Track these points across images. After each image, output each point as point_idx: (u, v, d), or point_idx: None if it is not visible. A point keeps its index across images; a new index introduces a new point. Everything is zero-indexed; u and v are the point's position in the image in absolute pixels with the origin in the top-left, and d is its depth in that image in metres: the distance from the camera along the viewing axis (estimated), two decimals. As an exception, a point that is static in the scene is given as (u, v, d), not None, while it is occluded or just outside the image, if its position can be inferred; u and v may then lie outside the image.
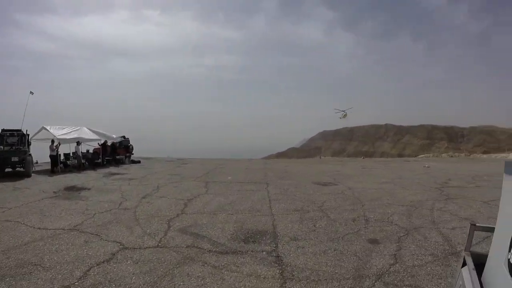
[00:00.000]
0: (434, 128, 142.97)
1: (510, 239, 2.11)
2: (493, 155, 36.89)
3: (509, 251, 2.08)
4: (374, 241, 5.95)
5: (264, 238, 6.20)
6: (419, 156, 42.01)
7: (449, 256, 5.27)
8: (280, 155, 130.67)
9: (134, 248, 5.62)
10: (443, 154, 43.14)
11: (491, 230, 2.74)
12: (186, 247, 5.70)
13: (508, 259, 2.06)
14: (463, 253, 2.85)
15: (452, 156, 36.90)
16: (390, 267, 4.80)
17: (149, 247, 5.68)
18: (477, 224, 2.79)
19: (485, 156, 37.59)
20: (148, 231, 6.60)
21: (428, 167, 20.72)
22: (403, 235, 6.30)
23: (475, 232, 2.79)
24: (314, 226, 6.95)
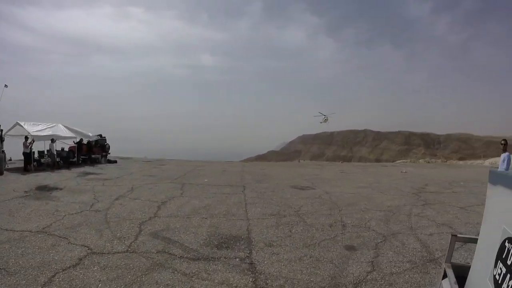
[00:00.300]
0: (411, 134, 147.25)
1: (495, 252, 1.96)
2: (468, 162, 38.00)
3: (495, 266, 1.93)
4: (351, 248, 5.81)
5: (238, 243, 5.97)
6: (397, 162, 42.77)
7: (427, 263, 5.18)
8: (260, 158, 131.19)
9: (103, 253, 5.32)
10: (420, 160, 44.09)
11: (473, 241, 2.64)
12: (157, 252, 5.42)
13: (494, 275, 1.91)
14: (443, 264, 2.74)
15: (429, 162, 37.73)
16: (367, 275, 4.66)
17: (118, 252, 5.37)
18: (458, 235, 2.68)
19: (461, 162, 38.64)
20: (118, 234, 6.29)
21: (405, 172, 20.99)
22: (381, 241, 6.21)
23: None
24: (290, 231, 6.77)
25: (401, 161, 45.90)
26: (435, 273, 4.77)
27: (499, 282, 1.83)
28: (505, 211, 2.00)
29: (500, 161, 9.61)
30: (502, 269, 1.83)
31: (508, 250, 1.82)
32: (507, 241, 1.86)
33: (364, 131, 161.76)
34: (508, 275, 1.74)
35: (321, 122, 58.90)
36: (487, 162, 35.82)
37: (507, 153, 9.33)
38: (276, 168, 23.03)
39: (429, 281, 4.49)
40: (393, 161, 50.91)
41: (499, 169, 8.87)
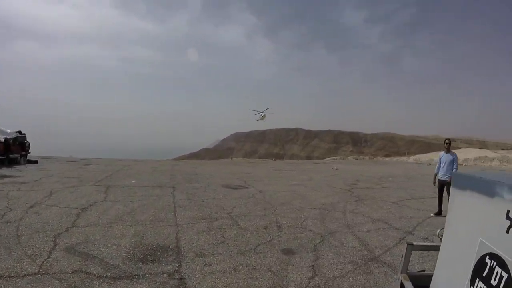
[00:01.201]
0: (340, 133, 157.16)
1: (470, 268, 1.73)
2: (394, 158, 41.00)
3: (472, 284, 1.69)
4: (289, 252, 5.47)
5: (165, 255, 5.28)
6: (327, 159, 44.53)
7: (369, 263, 5.05)
8: (192, 155, 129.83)
9: (10, 277, 4.27)
10: (349, 157, 46.38)
11: (433, 248, 2.44)
12: (72, 272, 4.51)
13: None
14: (399, 275, 2.50)
15: (357, 159, 39.80)
16: (309, 282, 4.33)
17: (27, 275, 4.35)
18: (414, 243, 2.43)
19: (387, 159, 41.52)
20: (30, 251, 5.19)
21: (336, 169, 21.70)
22: (319, 242, 5.98)
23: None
24: (223, 237, 6.25)
25: (331, 158, 47.95)
26: (378, 273, 4.62)
27: None
28: (481, 222, 1.74)
29: (441, 161, 9.00)
30: None
31: (491, 268, 1.58)
32: (488, 257, 1.61)
33: (296, 129, 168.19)
34: None
35: (257, 120, 55.79)
36: (411, 158, 39.01)
37: (455, 154, 8.96)
38: (208, 166, 22.40)
39: (374, 282, 4.32)
40: (323, 158, 53.07)
41: (439, 170, 8.88)
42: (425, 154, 46.48)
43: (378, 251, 5.55)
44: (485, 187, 1.74)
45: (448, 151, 9.00)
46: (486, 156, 34.23)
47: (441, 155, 9.14)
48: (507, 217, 1.53)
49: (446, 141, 9.36)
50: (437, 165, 9.17)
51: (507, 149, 52.70)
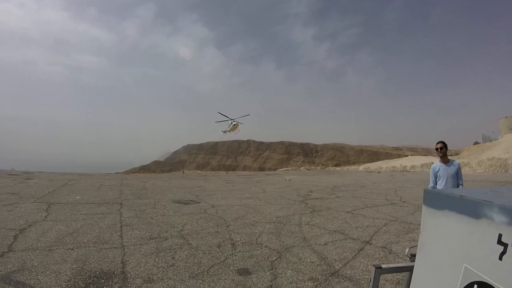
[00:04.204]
0: (291, 144, 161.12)
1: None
2: (345, 168, 42.30)
3: None
4: (244, 271, 5.13)
5: (110, 282, 4.70)
6: (280, 170, 44.95)
7: (330, 278, 4.84)
8: (143, 168, 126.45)
9: None
10: (301, 168, 47.06)
11: (404, 270, 2.21)
12: None
13: None
14: None
15: (309, 169, 40.42)
16: (267, 305, 4.01)
17: None
18: (383, 266, 2.19)
19: (338, 168, 42.66)
20: None
21: (289, 180, 21.77)
22: (276, 259, 5.70)
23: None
24: (173, 258, 5.77)
25: (283, 169, 48.44)
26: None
27: None
28: (465, 247, 1.50)
29: (438, 177, 6.33)
30: None
31: None
32: (476, 286, 1.39)
33: (248, 141, 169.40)
34: None
35: (224, 132, 43.62)
36: (361, 167, 40.41)
37: (457, 163, 6.31)
38: (158, 180, 21.53)
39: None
40: (275, 169, 53.52)
41: (439, 186, 6.28)
42: (374, 163, 48.89)
43: (338, 265, 5.37)
44: (469, 207, 1.50)
45: (445, 160, 6.29)
46: (432, 162, 36.26)
47: (436, 168, 6.40)
48: (500, 242, 1.31)
49: (439, 146, 6.23)
50: (431, 184, 6.47)
51: (450, 155, 56.52)
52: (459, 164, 6.32)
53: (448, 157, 6.41)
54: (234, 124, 41.75)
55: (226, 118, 41.95)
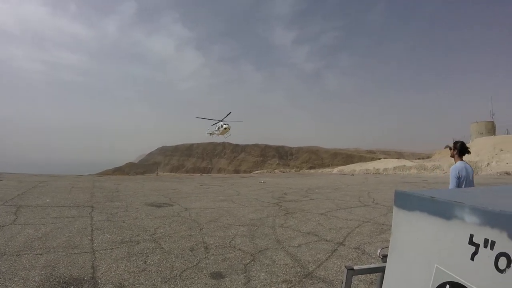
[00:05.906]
0: (267, 147, 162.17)
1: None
2: (319, 170, 42.88)
3: None
4: (218, 275, 5.08)
5: (79, 288, 4.57)
6: (254, 172, 44.97)
7: (303, 280, 4.85)
8: (117, 170, 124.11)
9: None
10: (276, 170, 47.27)
11: (376, 271, 2.22)
12: None
13: None
14: None
15: (284, 172, 40.66)
16: (240, 308, 3.98)
17: None
18: (355, 267, 2.20)
19: (312, 171, 43.17)
20: None
21: (263, 182, 21.82)
22: (250, 262, 5.67)
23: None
24: (145, 263, 5.64)
25: (258, 171, 48.49)
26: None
27: None
28: (437, 247, 1.51)
29: (461, 178, 5.50)
30: None
31: None
32: (448, 286, 1.40)
33: (223, 143, 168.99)
34: None
35: (211, 134, 40.94)
36: (336, 170, 41.05)
37: (469, 165, 5.70)
38: (132, 182, 21.11)
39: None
40: (250, 172, 53.50)
41: (452, 186, 5.59)
42: (348, 166, 49.77)
43: (312, 266, 5.41)
44: (440, 208, 1.51)
45: (461, 159, 5.68)
46: (404, 165, 37.41)
47: (460, 168, 5.58)
48: (471, 243, 1.32)
49: (458, 145, 5.71)
50: (453, 185, 5.59)
51: (422, 158, 58.51)
52: (470, 165, 5.78)
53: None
54: (225, 128, 38.66)
55: (213, 120, 39.37)
